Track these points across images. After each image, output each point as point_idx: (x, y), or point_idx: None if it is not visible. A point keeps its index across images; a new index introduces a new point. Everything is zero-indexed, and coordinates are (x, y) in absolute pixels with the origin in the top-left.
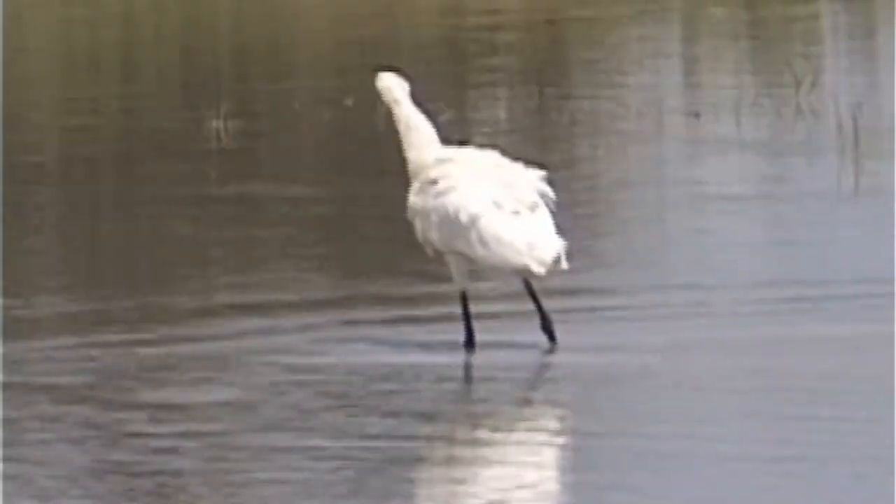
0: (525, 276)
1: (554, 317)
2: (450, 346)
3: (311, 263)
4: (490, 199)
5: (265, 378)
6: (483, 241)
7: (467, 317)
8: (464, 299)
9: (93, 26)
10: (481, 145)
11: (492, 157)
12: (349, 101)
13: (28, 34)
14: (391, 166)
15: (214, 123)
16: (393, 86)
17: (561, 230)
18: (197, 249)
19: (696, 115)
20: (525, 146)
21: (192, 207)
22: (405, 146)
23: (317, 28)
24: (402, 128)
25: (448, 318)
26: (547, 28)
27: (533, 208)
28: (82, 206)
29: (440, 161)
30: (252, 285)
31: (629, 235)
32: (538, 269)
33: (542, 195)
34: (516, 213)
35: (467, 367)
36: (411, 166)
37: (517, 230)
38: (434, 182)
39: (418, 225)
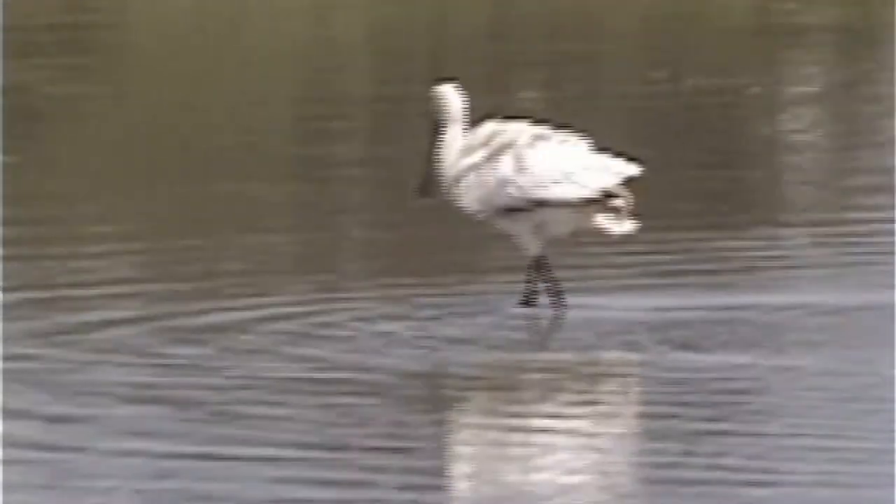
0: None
1: None
2: None
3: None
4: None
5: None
6: (523, 170)
7: (535, 282)
8: (537, 265)
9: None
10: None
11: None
12: (658, 75)
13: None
14: (701, 140)
15: (527, 94)
16: (450, 99)
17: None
18: None
19: None
20: (835, 120)
21: None
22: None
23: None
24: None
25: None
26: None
27: (574, 143)
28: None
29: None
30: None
31: None
32: (587, 193)
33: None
34: (564, 141)
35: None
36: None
37: (559, 159)
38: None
39: (462, 194)
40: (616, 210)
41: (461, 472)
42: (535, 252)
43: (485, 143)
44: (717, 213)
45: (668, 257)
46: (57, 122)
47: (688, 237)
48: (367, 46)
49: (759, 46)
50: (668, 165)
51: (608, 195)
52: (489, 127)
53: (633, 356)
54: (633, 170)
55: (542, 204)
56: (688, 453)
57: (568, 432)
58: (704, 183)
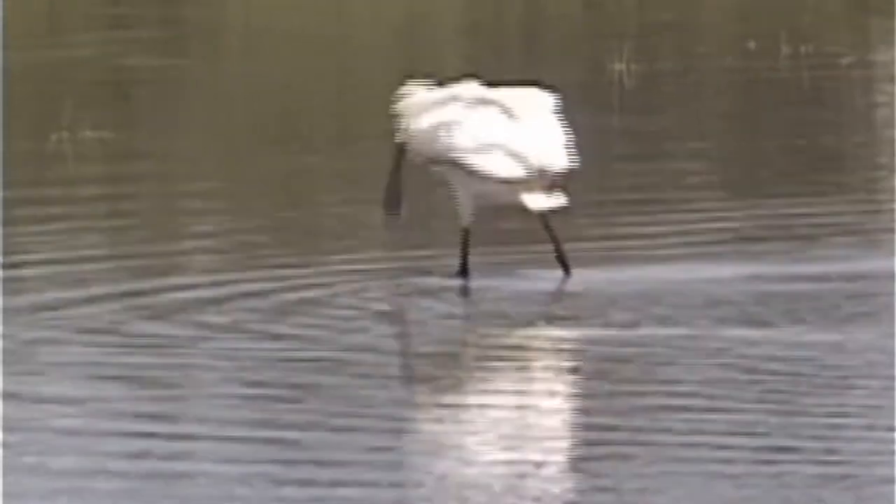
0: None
1: None
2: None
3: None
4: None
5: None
6: (452, 129)
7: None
8: (465, 235)
9: None
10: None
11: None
12: (752, 45)
13: None
14: (793, 109)
15: (617, 66)
16: (413, 105)
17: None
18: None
19: None
20: None
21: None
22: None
23: None
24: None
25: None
26: None
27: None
28: None
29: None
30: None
31: None
32: (517, 174)
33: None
34: (513, 117)
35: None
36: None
37: (486, 129)
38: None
39: (415, 145)
40: (548, 188)
41: (425, 453)
42: (465, 221)
43: (440, 97)
44: (808, 181)
45: (755, 225)
46: (149, 94)
47: (777, 205)
48: (462, 22)
49: (853, 16)
50: (760, 134)
51: (540, 172)
52: (452, 87)
53: (671, 331)
54: (561, 163)
55: (463, 168)
56: (722, 447)
57: (547, 411)
58: (796, 151)
